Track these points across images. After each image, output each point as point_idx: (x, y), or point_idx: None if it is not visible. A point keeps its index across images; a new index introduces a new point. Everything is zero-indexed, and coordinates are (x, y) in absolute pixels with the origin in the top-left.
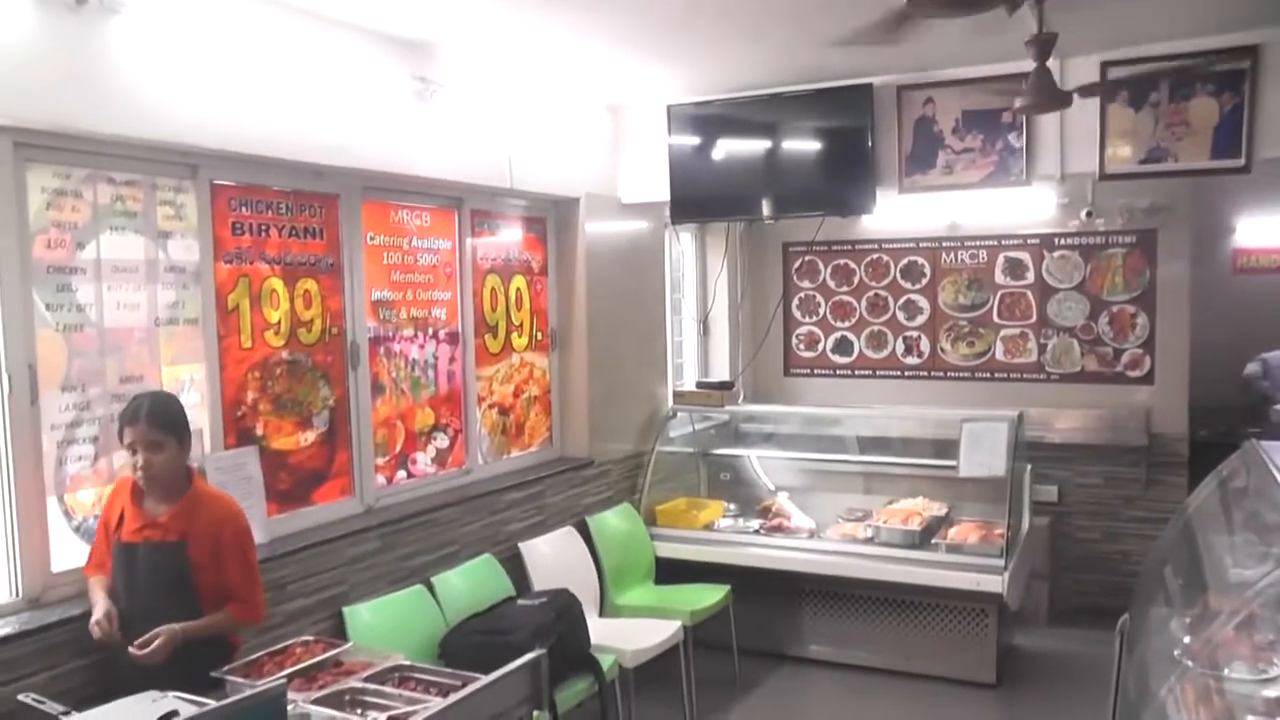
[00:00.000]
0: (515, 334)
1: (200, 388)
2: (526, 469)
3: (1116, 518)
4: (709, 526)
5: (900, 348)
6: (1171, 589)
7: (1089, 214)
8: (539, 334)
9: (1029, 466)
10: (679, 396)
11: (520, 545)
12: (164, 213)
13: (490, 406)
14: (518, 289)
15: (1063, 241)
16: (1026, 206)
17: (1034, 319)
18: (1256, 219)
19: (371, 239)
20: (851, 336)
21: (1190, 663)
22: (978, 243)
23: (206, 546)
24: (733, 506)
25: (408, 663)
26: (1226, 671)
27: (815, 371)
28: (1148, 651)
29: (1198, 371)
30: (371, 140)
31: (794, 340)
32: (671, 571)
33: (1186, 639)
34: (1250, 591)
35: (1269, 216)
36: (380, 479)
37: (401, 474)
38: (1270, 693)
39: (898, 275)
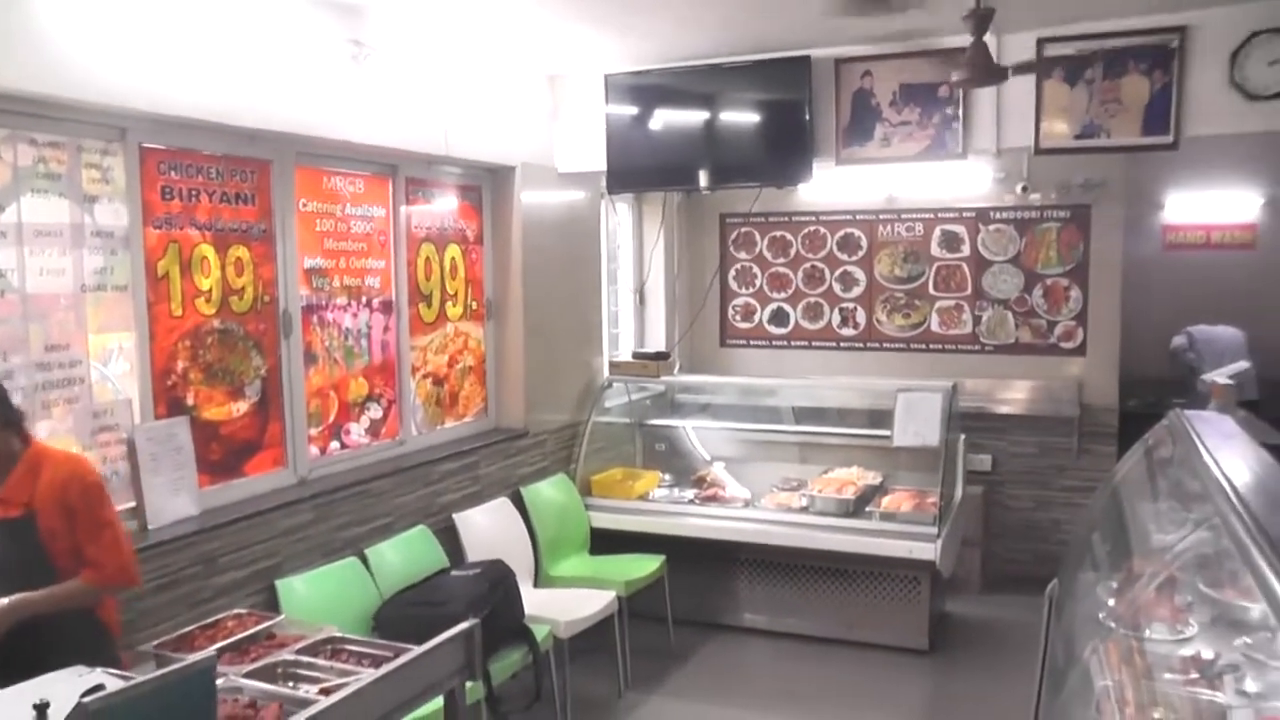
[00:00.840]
0: (450, 303)
1: (130, 356)
2: (461, 440)
3: (1048, 486)
4: (644, 497)
5: (836, 319)
6: (1099, 555)
7: (1024, 188)
8: (474, 303)
9: (963, 436)
10: (615, 367)
11: (454, 516)
12: (90, 176)
13: (424, 376)
14: (452, 258)
15: (998, 215)
16: (963, 180)
17: (969, 291)
18: (1184, 195)
19: (304, 206)
20: (788, 308)
21: (1114, 625)
22: (914, 216)
23: (55, 512)
24: (668, 477)
25: (340, 635)
26: (1148, 633)
27: (751, 342)
28: (1075, 616)
29: (1128, 344)
30: (305, 104)
31: (730, 311)
32: (606, 542)
33: (1111, 602)
34: (1169, 555)
35: (1195, 193)
36: (313, 450)
37: (335, 445)
38: (1186, 651)
39: (834, 247)
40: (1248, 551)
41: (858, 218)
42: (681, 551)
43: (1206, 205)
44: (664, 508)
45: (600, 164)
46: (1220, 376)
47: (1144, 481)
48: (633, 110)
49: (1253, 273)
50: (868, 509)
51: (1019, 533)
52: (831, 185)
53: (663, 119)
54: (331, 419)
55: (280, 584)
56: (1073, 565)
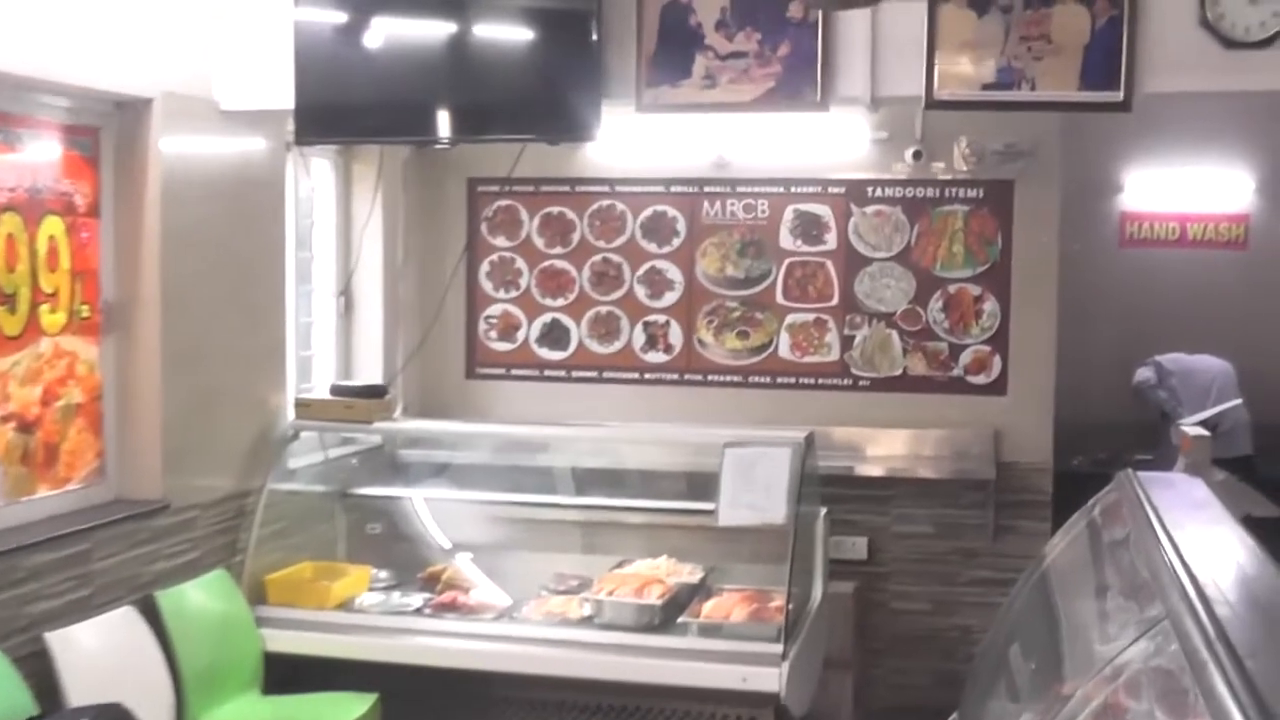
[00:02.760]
0: (46, 307)
1: None
2: (62, 517)
3: (952, 580)
4: (348, 605)
5: (640, 339)
6: (1017, 675)
7: (917, 155)
8: (84, 308)
9: (824, 510)
10: (304, 407)
11: (48, 637)
12: None
13: (4, 419)
14: (51, 237)
15: (879, 193)
16: (827, 141)
17: (835, 300)
18: (1150, 174)
19: None
20: (568, 321)
21: None
22: (755, 189)
23: None
24: (386, 574)
25: None
26: None
27: (513, 372)
28: None
29: (1069, 379)
30: None
31: (482, 325)
32: (290, 674)
33: None
34: (1111, 672)
35: (1166, 170)
36: None
37: None
38: None
39: (637, 232)
40: (1204, 670)
41: (672, 190)
42: (406, 687)
43: (1182, 188)
44: (379, 621)
45: (286, 99)
46: (1191, 425)
47: (1085, 569)
48: (338, 18)
49: (1245, 280)
50: (682, 619)
51: (910, 647)
52: (632, 141)
53: (384, 33)
54: None
55: None
56: (980, 690)
